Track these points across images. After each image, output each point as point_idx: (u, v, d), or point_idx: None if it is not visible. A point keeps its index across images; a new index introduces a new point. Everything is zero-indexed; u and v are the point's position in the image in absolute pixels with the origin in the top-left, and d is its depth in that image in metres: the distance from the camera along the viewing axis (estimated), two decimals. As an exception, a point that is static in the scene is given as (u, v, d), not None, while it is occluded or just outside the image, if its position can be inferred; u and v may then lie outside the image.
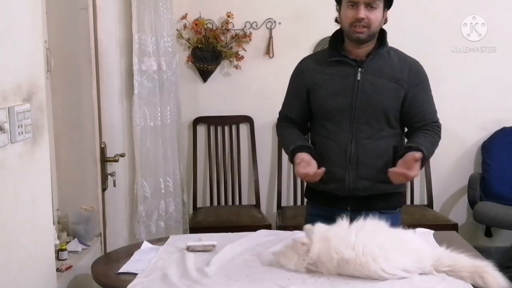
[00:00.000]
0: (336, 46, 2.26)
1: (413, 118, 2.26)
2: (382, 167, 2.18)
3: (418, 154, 2.07)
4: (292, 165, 2.31)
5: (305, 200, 2.52)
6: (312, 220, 2.05)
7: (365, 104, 2.20)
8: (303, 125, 2.40)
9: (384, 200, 2.27)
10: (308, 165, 2.17)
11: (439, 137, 2.28)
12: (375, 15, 2.17)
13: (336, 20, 2.30)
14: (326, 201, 2.30)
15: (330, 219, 1.92)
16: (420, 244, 1.83)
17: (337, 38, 2.29)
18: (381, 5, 2.18)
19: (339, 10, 2.26)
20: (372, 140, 2.22)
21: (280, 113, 2.45)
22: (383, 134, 2.23)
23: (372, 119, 2.22)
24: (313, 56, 2.47)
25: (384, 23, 2.25)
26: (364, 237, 1.75)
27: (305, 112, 2.35)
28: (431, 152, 2.24)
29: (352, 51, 2.24)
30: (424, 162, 2.14)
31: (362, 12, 2.14)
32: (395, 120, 2.25)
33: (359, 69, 2.21)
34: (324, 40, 3.86)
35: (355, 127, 2.21)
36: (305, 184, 2.53)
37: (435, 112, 2.31)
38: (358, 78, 2.20)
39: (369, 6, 2.15)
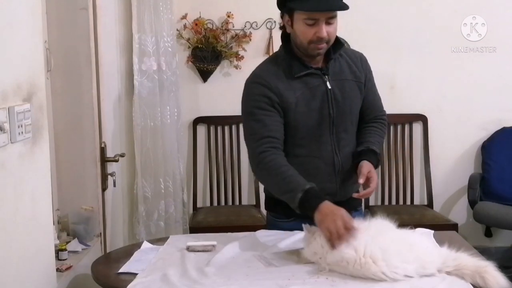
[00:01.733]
0: (298, 59, 2.08)
1: (366, 111, 2.23)
2: (355, 167, 2.14)
3: (369, 168, 2.06)
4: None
5: (269, 213, 2.27)
6: None
7: (341, 112, 2.11)
8: (283, 146, 2.08)
9: (355, 198, 2.17)
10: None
11: (385, 127, 2.29)
12: (334, 28, 2.02)
13: (281, 27, 2.12)
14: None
15: None
16: (425, 248, 1.79)
17: (291, 47, 2.10)
18: (337, 16, 2.03)
19: (289, 20, 2.04)
20: (350, 145, 2.16)
21: (260, 138, 2.03)
22: (354, 134, 2.20)
23: (348, 124, 2.15)
24: (272, 71, 2.10)
25: None
26: (367, 238, 1.73)
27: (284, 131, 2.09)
28: (381, 145, 2.26)
29: (311, 59, 2.09)
30: (380, 158, 2.17)
31: (324, 30, 1.98)
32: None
33: (326, 77, 2.09)
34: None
35: (335, 137, 2.11)
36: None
37: (381, 101, 2.30)
38: (329, 86, 2.08)
39: (330, 20, 1.99)
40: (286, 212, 2.06)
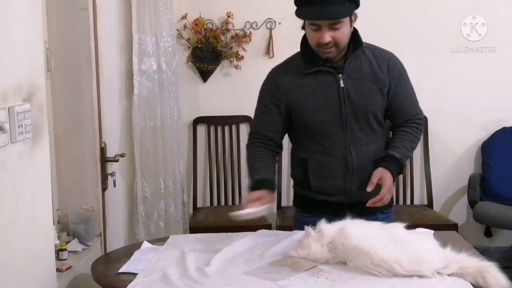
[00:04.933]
0: (311, 56, 2.12)
1: (395, 114, 2.21)
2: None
3: (380, 175, 2.05)
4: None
5: (295, 209, 2.35)
6: None
7: (355, 111, 2.10)
8: (279, 143, 2.23)
9: None
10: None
11: (420, 131, 2.24)
12: (342, 32, 2.02)
13: (303, 27, 2.15)
14: (330, 210, 2.09)
15: None
16: (427, 251, 1.78)
17: (308, 45, 2.13)
18: (346, 20, 2.02)
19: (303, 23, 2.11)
20: (369, 145, 2.15)
21: (253, 133, 2.24)
22: (377, 136, 2.18)
23: (364, 124, 2.14)
24: (285, 68, 2.22)
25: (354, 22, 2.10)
26: (369, 235, 1.78)
27: (284, 129, 2.21)
28: (411, 149, 2.20)
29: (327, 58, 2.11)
30: (403, 163, 2.13)
31: (327, 36, 2.00)
32: (383, 118, 2.20)
33: (340, 76, 2.09)
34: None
35: (350, 137, 2.12)
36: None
37: (416, 103, 2.26)
38: (342, 85, 2.09)
39: (333, 26, 2.00)
40: (308, 207, 2.22)
